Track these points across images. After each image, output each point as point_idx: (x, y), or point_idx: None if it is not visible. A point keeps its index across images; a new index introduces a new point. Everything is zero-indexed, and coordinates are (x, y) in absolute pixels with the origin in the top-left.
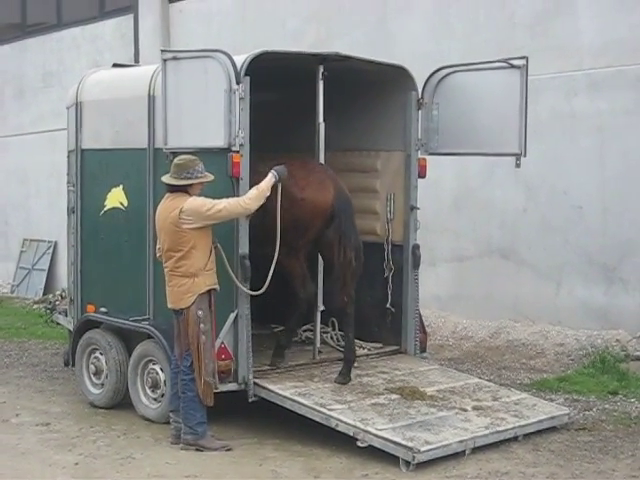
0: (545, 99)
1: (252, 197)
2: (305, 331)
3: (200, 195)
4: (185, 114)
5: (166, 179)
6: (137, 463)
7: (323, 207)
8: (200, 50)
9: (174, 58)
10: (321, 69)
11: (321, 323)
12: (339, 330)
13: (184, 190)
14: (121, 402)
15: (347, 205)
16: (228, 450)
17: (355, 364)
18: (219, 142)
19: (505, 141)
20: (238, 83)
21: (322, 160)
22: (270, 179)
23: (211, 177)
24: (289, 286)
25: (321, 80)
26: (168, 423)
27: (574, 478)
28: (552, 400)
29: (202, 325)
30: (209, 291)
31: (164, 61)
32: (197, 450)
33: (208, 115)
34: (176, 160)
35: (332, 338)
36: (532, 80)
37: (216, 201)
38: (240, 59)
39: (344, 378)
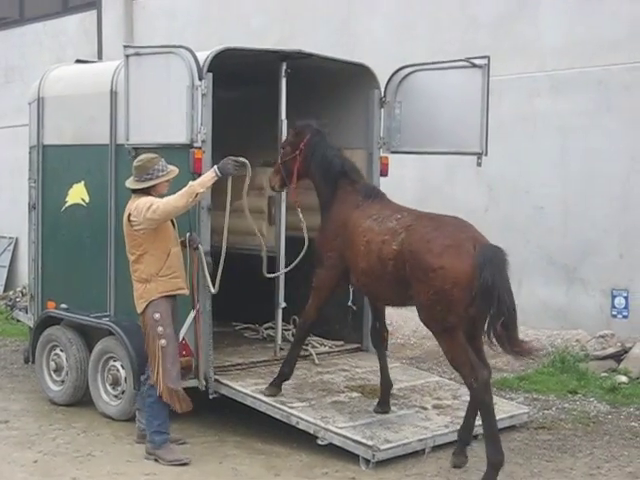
0: (507, 99)
1: (181, 193)
2: (267, 329)
3: (163, 193)
4: (147, 110)
5: (128, 183)
6: (97, 461)
7: (466, 275)
8: (163, 46)
9: (136, 54)
10: (284, 66)
11: (282, 321)
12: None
13: (146, 191)
14: (81, 399)
15: (495, 266)
16: (183, 465)
17: (317, 362)
18: (181, 138)
19: (467, 140)
20: (200, 79)
21: None
22: (209, 175)
23: (175, 172)
24: (461, 376)
25: (284, 77)
26: (129, 420)
27: (533, 476)
28: (512, 399)
29: (160, 328)
30: (173, 296)
31: (126, 57)
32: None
33: (170, 111)
34: (135, 162)
35: (293, 336)
36: (495, 81)
37: (156, 200)
38: (203, 55)
39: None
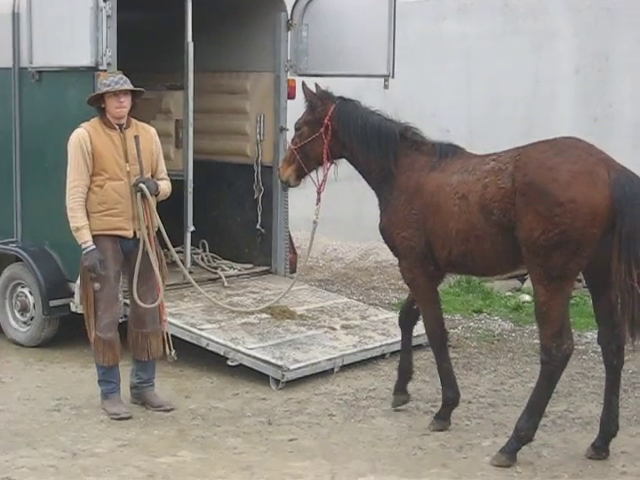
0: (414, 22)
1: (75, 219)
2: (176, 252)
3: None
4: (51, 32)
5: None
6: (7, 387)
7: (602, 209)
8: None
9: None
10: None
11: (191, 244)
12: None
13: (102, 112)
14: None
15: (634, 196)
16: (121, 419)
17: (226, 284)
18: (86, 60)
19: (374, 63)
20: (105, 0)
21: (191, 81)
22: (82, 242)
23: (123, 88)
24: (541, 336)
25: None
26: (38, 346)
27: (438, 393)
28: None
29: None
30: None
31: None
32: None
33: (75, 33)
34: None
35: (202, 259)
36: (401, 4)
37: (71, 171)
38: None
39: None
